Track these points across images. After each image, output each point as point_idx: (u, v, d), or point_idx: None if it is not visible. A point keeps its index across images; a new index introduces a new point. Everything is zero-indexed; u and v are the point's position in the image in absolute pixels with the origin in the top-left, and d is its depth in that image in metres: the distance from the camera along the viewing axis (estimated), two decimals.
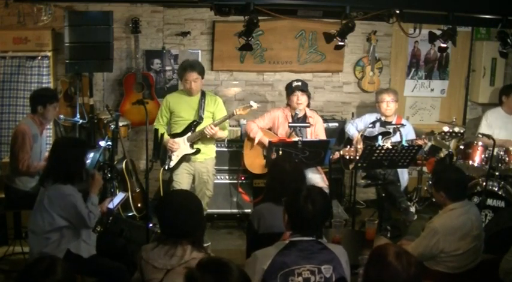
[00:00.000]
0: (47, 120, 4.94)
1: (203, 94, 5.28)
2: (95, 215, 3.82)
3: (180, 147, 5.22)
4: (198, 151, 5.23)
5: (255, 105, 5.13)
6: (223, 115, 5.20)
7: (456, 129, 5.25)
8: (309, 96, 5.51)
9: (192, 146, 5.22)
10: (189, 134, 5.21)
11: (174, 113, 5.28)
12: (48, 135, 5.69)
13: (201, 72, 5.21)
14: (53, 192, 3.70)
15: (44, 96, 4.86)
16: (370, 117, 5.76)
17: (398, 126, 5.49)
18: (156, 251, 2.88)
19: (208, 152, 5.37)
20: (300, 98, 5.37)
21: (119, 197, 4.26)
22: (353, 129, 5.80)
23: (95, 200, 3.88)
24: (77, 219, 3.71)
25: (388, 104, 5.66)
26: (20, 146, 4.67)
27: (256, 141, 5.44)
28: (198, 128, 5.20)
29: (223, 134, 5.28)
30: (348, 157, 5.26)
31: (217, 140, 5.42)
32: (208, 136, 5.16)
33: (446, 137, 5.32)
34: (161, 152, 5.24)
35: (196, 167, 5.30)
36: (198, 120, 5.22)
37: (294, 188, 3.07)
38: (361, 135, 5.50)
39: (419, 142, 5.37)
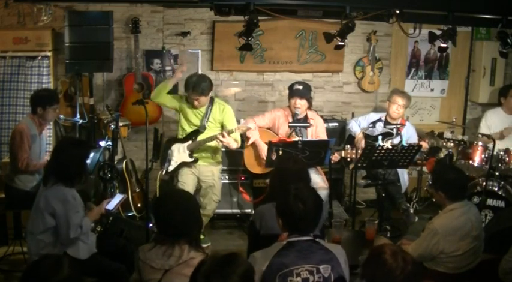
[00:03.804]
0: (46, 121, 4.94)
1: (211, 101, 5.23)
2: (82, 231, 3.74)
3: (180, 153, 5.22)
4: (196, 160, 5.22)
5: (252, 127, 5.18)
6: (233, 124, 5.18)
7: (459, 137, 5.28)
8: (308, 100, 5.48)
9: (191, 155, 5.23)
10: (190, 142, 5.21)
11: (182, 112, 5.26)
12: (48, 135, 5.70)
13: (204, 92, 5.05)
14: (52, 193, 3.67)
15: (44, 97, 4.85)
16: (374, 117, 5.73)
17: (399, 126, 5.49)
18: (153, 251, 2.88)
19: (213, 158, 5.35)
20: (298, 103, 5.36)
21: (117, 198, 4.24)
22: (356, 126, 5.78)
23: (88, 223, 3.83)
24: (62, 225, 3.64)
25: (398, 108, 5.62)
26: (19, 145, 4.67)
27: (249, 142, 5.41)
28: (199, 138, 5.19)
29: (234, 145, 5.14)
30: (348, 159, 5.27)
31: (224, 147, 5.30)
32: (220, 144, 5.14)
33: (449, 143, 5.35)
34: (161, 153, 5.26)
35: (201, 170, 5.29)
36: (200, 129, 5.21)
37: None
38: (363, 134, 5.50)
39: (423, 145, 5.38)
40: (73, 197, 3.73)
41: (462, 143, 5.40)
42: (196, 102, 5.11)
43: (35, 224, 3.70)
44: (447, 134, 5.47)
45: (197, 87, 5.01)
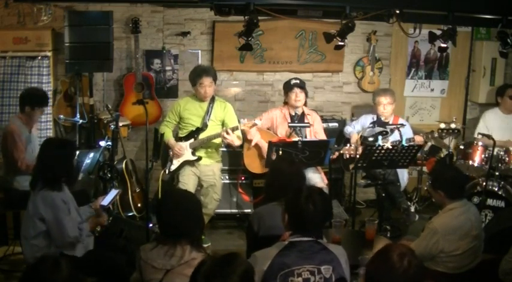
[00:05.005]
0: (32, 121, 4.91)
1: (212, 99, 5.27)
2: (82, 235, 3.75)
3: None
4: (199, 159, 5.23)
5: (259, 123, 5.16)
6: (234, 121, 5.22)
7: (453, 125, 5.28)
8: (306, 94, 5.53)
9: (193, 153, 5.23)
10: (192, 140, 5.21)
11: (183, 117, 5.28)
12: (47, 135, 5.70)
13: (215, 78, 5.26)
14: (40, 199, 3.60)
15: (34, 97, 4.85)
16: (366, 119, 5.77)
17: (398, 126, 5.49)
18: (155, 251, 2.88)
19: (214, 156, 5.36)
20: (298, 95, 5.40)
21: (112, 194, 4.23)
22: (351, 129, 5.80)
23: (86, 230, 3.84)
24: (55, 231, 3.60)
25: (385, 107, 5.66)
26: (13, 146, 4.65)
27: (252, 143, 5.44)
28: (201, 136, 5.19)
29: (238, 142, 5.20)
30: (347, 156, 5.27)
31: (228, 145, 5.38)
32: (224, 140, 5.16)
33: (444, 134, 5.34)
34: (162, 153, 5.26)
35: (202, 170, 5.30)
36: (202, 127, 5.21)
37: (294, 188, 3.06)
38: (361, 137, 5.49)
39: (418, 138, 5.38)
40: (62, 201, 3.65)
41: (456, 131, 5.38)
42: (207, 89, 5.14)
43: (27, 229, 3.67)
44: (441, 125, 5.44)
45: (210, 71, 5.20)
